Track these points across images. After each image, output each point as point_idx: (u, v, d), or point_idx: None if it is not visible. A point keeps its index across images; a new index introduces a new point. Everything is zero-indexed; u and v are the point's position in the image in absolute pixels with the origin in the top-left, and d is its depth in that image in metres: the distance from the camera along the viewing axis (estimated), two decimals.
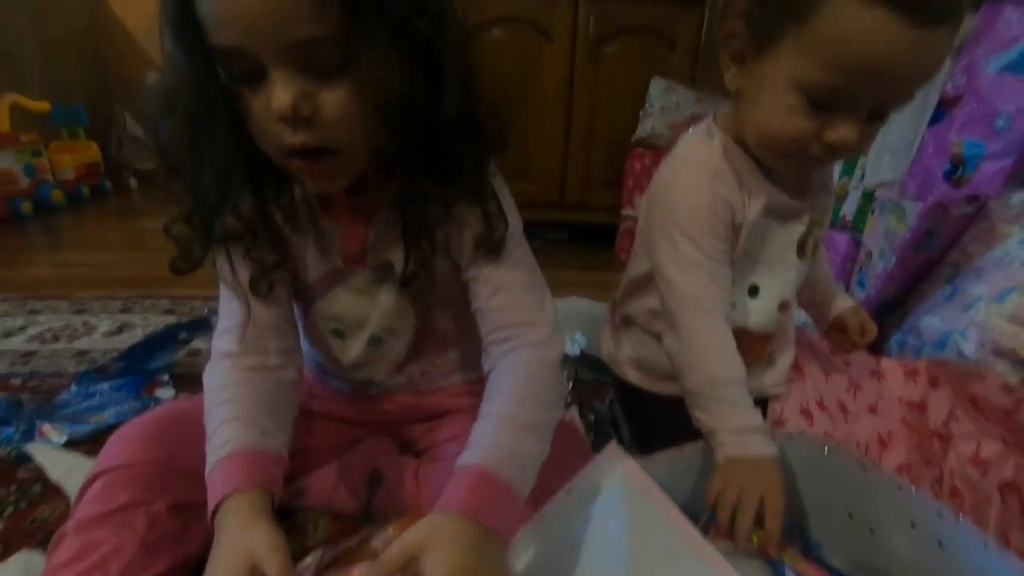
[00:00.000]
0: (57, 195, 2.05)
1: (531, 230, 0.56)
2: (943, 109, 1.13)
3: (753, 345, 0.65)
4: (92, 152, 2.31)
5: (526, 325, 0.52)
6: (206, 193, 0.45)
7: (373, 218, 0.53)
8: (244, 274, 0.51)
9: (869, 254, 1.33)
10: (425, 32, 0.41)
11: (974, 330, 0.91)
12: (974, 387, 0.70)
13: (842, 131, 0.49)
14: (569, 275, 1.66)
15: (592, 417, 0.77)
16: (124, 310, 1.18)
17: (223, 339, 0.53)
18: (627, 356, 0.74)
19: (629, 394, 0.75)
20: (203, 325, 0.97)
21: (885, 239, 1.21)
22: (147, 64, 2.76)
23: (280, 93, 0.40)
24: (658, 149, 1.77)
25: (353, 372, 0.62)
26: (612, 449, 0.50)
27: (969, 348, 0.90)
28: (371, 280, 0.56)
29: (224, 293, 0.54)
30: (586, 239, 1.99)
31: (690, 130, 0.64)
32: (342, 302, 0.57)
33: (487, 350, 0.53)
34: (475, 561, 0.37)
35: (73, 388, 0.86)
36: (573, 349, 1.05)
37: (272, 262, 0.51)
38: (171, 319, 1.14)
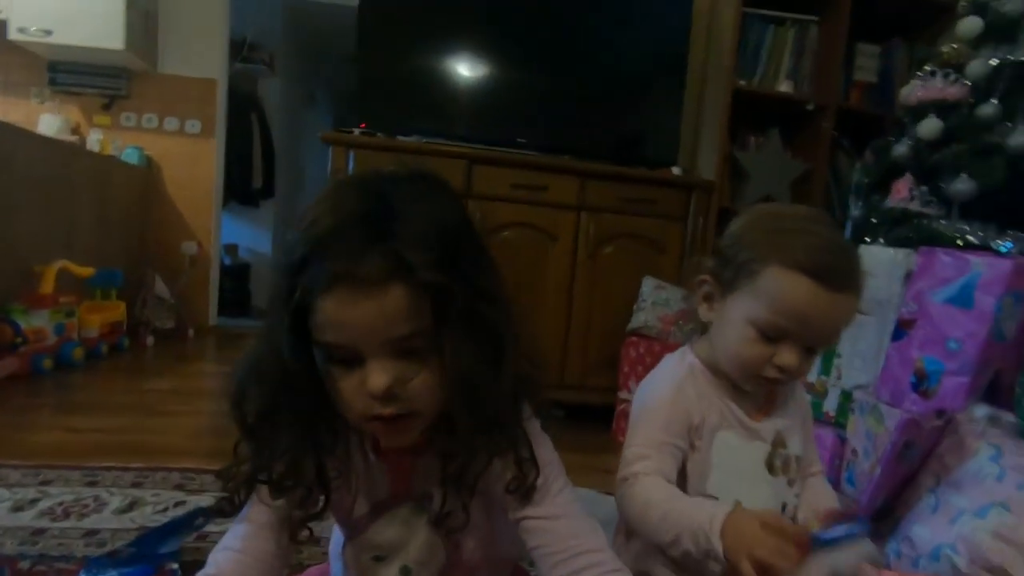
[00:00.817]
0: (78, 353, 2.14)
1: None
2: (902, 329, 1.28)
3: None
4: (119, 312, 2.45)
5: (593, 551, 0.53)
6: (278, 459, 0.52)
7: (418, 459, 0.58)
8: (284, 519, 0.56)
9: (855, 451, 1.40)
10: (489, 317, 0.50)
11: (963, 545, 0.95)
12: None
13: (786, 358, 0.65)
14: (566, 457, 1.68)
15: None
16: (135, 484, 1.20)
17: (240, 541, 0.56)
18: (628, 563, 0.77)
19: None
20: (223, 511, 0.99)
21: (867, 439, 1.30)
22: (185, 234, 3.05)
23: (376, 378, 0.47)
24: (650, 339, 1.92)
25: None
26: None
27: (962, 563, 0.94)
28: (413, 510, 0.60)
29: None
30: (584, 418, 2.05)
31: (672, 353, 0.78)
32: (386, 530, 0.60)
33: None
34: None
35: (81, 575, 0.86)
36: None
37: (317, 512, 0.56)
38: (181, 495, 1.16)
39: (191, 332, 2.93)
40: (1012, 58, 1.36)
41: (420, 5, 2.09)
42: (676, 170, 2.11)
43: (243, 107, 3.87)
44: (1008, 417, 1.11)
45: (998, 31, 1.43)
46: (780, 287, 0.63)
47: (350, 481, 0.60)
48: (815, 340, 0.66)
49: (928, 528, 1.02)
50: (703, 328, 0.74)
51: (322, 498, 0.56)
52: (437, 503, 0.56)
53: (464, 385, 0.49)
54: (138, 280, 2.77)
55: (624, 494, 0.67)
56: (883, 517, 1.13)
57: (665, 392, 0.71)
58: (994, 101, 1.38)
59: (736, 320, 0.67)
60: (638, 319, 1.94)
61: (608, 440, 1.92)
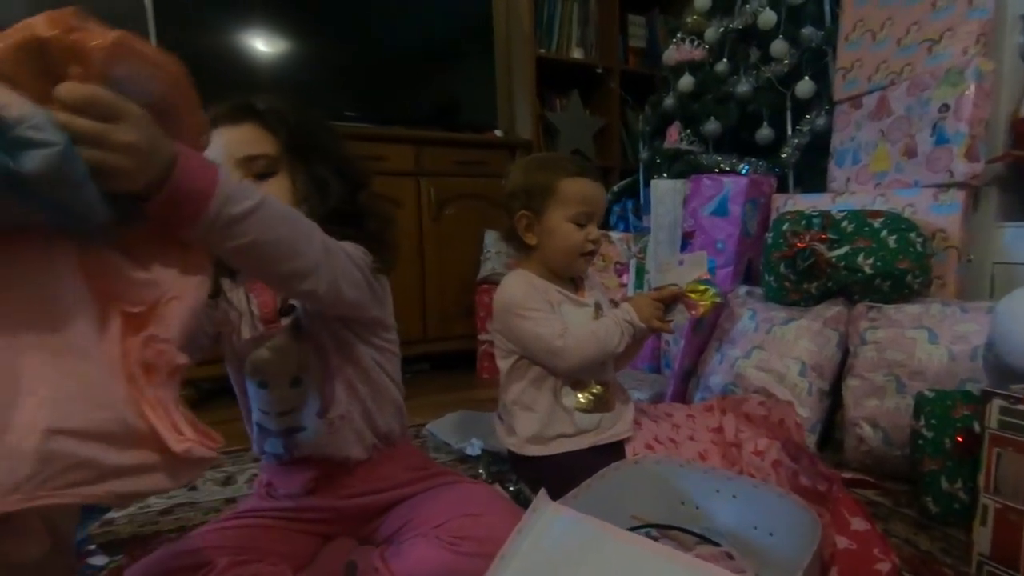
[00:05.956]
0: None
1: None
2: (686, 240, 1.67)
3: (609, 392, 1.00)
4: None
5: None
6: None
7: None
8: None
9: (667, 342, 1.79)
10: (331, 151, 0.75)
11: (739, 380, 1.33)
12: (744, 408, 1.07)
13: (593, 232, 0.98)
14: (437, 398, 1.84)
15: (510, 487, 0.98)
16: None
17: None
18: (523, 437, 0.99)
19: (527, 467, 0.99)
20: None
21: (676, 328, 1.67)
22: None
23: None
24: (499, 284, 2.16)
25: (283, 420, 0.77)
26: (542, 496, 0.72)
27: (739, 392, 1.32)
28: (283, 338, 0.76)
29: None
30: (448, 366, 2.23)
31: (509, 273, 1.03)
32: (264, 354, 0.76)
33: None
34: None
35: None
36: (475, 450, 1.26)
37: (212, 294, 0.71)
38: None
39: None
40: (732, 26, 1.80)
41: None
42: (498, 132, 2.35)
43: None
44: (758, 290, 1.54)
45: (722, 4, 1.88)
46: (572, 189, 0.95)
47: (236, 312, 0.77)
48: (599, 215, 0.99)
49: (718, 376, 1.40)
50: (525, 253, 1.01)
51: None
52: (303, 320, 0.75)
53: (307, 193, 0.72)
54: None
55: (564, 356, 0.92)
56: (689, 377, 1.50)
57: (521, 288, 0.97)
58: (725, 60, 1.82)
59: (557, 225, 0.96)
60: (486, 268, 2.16)
61: (474, 379, 2.13)
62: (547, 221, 0.96)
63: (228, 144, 0.70)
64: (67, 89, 0.37)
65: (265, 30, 2.03)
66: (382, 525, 0.82)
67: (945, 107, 1.28)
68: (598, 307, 1.02)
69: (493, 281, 2.15)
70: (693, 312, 0.97)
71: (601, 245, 1.02)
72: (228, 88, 2.14)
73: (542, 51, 2.42)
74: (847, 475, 1.08)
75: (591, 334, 0.93)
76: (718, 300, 0.97)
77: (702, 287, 0.96)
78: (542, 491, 0.71)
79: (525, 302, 0.94)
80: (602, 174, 2.56)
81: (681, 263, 1.02)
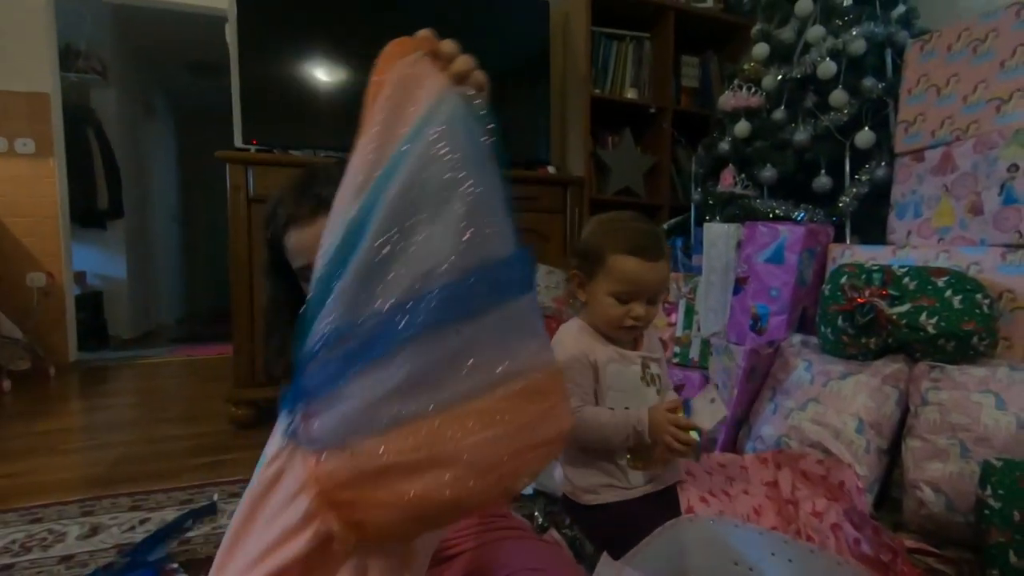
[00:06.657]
0: None
1: None
2: (739, 285, 1.68)
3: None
4: None
5: None
6: (274, 338, 0.75)
7: None
8: None
9: (716, 385, 1.78)
10: None
11: (793, 432, 1.32)
12: (801, 465, 1.07)
13: (637, 310, 0.94)
14: None
15: (566, 532, 1.00)
16: (85, 512, 1.18)
17: None
18: (579, 487, 1.01)
19: (583, 514, 1.01)
20: (211, 511, 1.04)
21: (724, 373, 1.67)
22: (29, 264, 2.73)
23: None
24: (548, 317, 2.19)
25: None
26: (605, 560, 0.74)
27: (795, 445, 1.31)
28: None
29: None
30: None
31: (568, 322, 1.04)
32: None
33: None
34: None
35: None
36: (527, 490, 1.28)
37: None
38: (141, 514, 1.17)
39: (52, 371, 2.64)
40: (791, 75, 1.82)
41: (297, 17, 2.13)
42: (551, 169, 2.40)
43: (77, 121, 3.50)
44: (813, 340, 1.53)
45: (780, 52, 1.90)
46: (619, 266, 0.93)
47: None
48: (650, 295, 0.95)
49: (771, 427, 1.39)
50: (583, 304, 1.02)
51: None
52: None
53: None
54: None
55: (576, 425, 0.88)
56: (740, 425, 1.50)
57: (570, 346, 0.97)
58: (782, 108, 1.83)
59: (600, 295, 0.96)
60: None
61: None
62: (592, 287, 0.97)
63: (310, 243, 0.64)
64: (463, 60, 0.51)
65: (333, 62, 2.15)
66: (448, 570, 0.85)
67: (1015, 167, 1.27)
68: (645, 365, 1.01)
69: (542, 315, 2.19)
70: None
71: (648, 322, 0.99)
72: (302, 116, 2.24)
73: (596, 91, 2.49)
74: (909, 543, 1.06)
75: (600, 426, 0.92)
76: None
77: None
78: (605, 555, 0.73)
79: (566, 362, 0.95)
80: (652, 211, 2.60)
81: (712, 401, 1.01)
